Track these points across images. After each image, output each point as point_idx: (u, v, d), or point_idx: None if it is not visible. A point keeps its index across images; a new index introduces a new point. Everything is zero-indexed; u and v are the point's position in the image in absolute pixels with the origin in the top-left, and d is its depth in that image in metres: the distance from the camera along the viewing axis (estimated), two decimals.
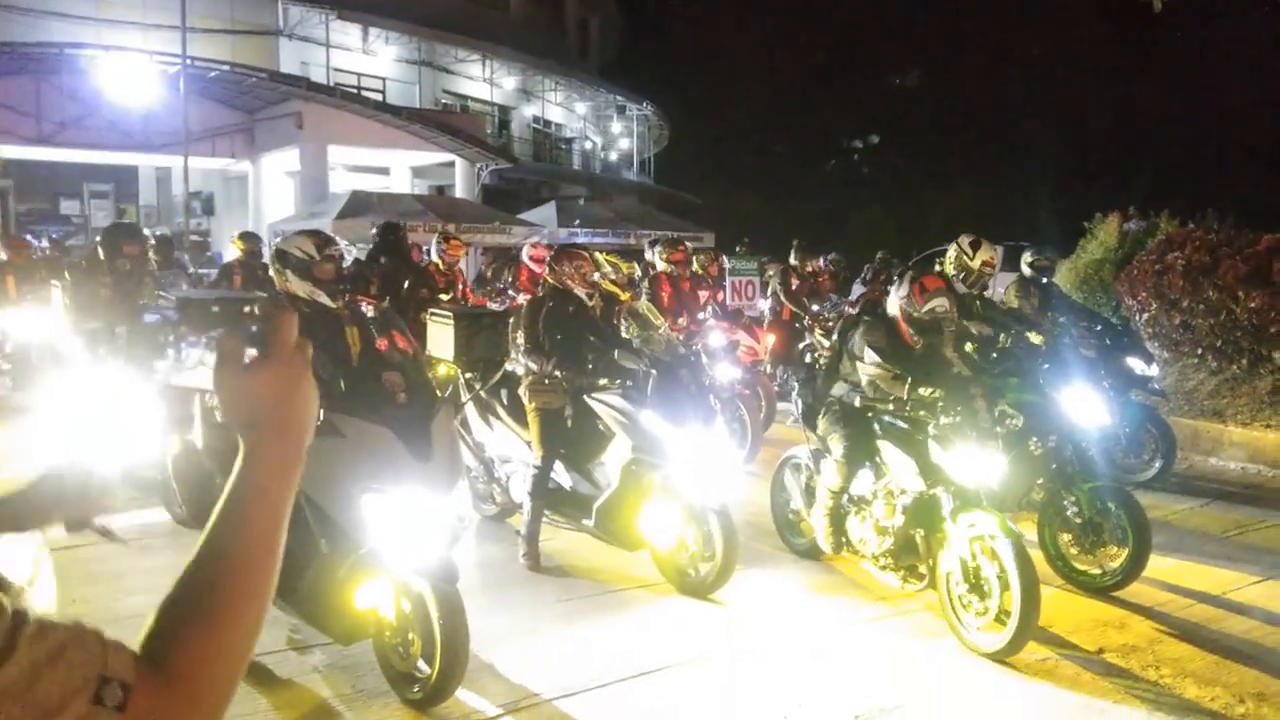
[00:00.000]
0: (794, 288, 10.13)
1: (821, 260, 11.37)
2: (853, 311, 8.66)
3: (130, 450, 6.83)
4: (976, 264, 6.55)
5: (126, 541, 5.73)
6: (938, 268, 6.70)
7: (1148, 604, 4.95)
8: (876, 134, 38.97)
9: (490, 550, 5.68)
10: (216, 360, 0.98)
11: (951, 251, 6.74)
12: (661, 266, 8.80)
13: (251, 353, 0.99)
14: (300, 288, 3.92)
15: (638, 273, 8.75)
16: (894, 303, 5.07)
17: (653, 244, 11.67)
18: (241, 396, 0.99)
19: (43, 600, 0.93)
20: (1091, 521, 5.07)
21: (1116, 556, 5.01)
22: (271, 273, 4.01)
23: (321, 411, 3.62)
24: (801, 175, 38.59)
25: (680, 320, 8.23)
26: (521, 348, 5.44)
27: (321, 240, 3.98)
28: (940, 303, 4.91)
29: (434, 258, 9.26)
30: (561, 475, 5.47)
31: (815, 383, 5.47)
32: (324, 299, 3.93)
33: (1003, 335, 6.47)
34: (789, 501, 5.69)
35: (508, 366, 5.80)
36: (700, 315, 8.59)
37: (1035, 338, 6.61)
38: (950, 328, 5.01)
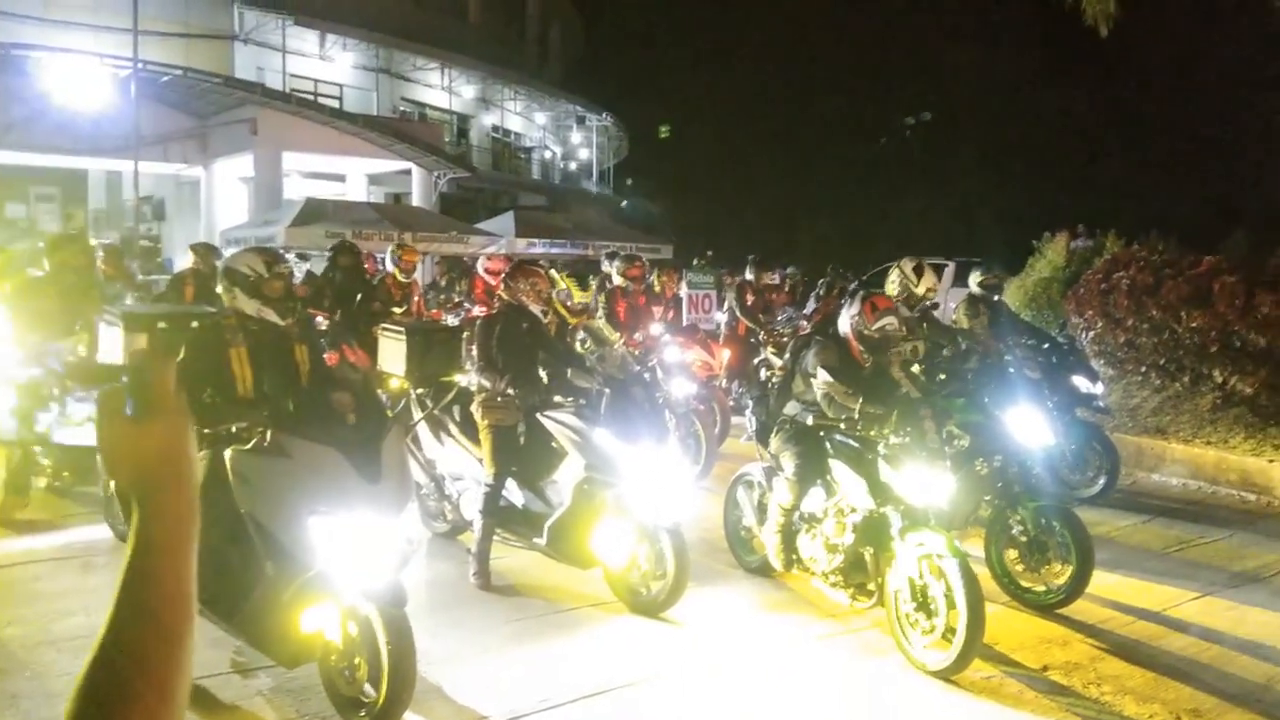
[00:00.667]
0: (749, 303, 10.19)
1: (777, 275, 11.46)
2: (807, 326, 8.75)
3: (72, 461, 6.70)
4: (921, 290, 6.70)
5: (67, 559, 5.61)
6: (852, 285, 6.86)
7: (1091, 621, 5.04)
8: (831, 150, 39.45)
9: (441, 569, 5.64)
10: (98, 416, 0.96)
11: (894, 275, 6.87)
12: (618, 281, 8.81)
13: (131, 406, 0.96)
14: (248, 305, 3.87)
15: (592, 301, 8.75)
16: (845, 321, 5.15)
17: (610, 256, 11.69)
18: (127, 451, 0.96)
19: None
20: (1036, 539, 5.16)
21: (1061, 574, 5.10)
22: (219, 290, 3.96)
23: (269, 432, 3.59)
24: (755, 188, 38.93)
25: (636, 336, 8.25)
26: (475, 364, 5.42)
27: (270, 258, 3.93)
28: (890, 321, 5.02)
29: (390, 268, 9.23)
30: (513, 493, 5.45)
31: (768, 401, 5.52)
32: (272, 317, 3.89)
33: (950, 354, 6.58)
34: (741, 519, 5.72)
35: (461, 382, 5.78)
36: (655, 331, 8.62)
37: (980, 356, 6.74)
38: (896, 348, 5.10)
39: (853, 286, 11.67)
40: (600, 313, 8.56)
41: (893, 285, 6.84)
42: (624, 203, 37.43)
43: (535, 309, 5.49)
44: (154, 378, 0.98)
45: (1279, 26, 9.97)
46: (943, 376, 6.13)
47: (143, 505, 0.96)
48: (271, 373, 3.85)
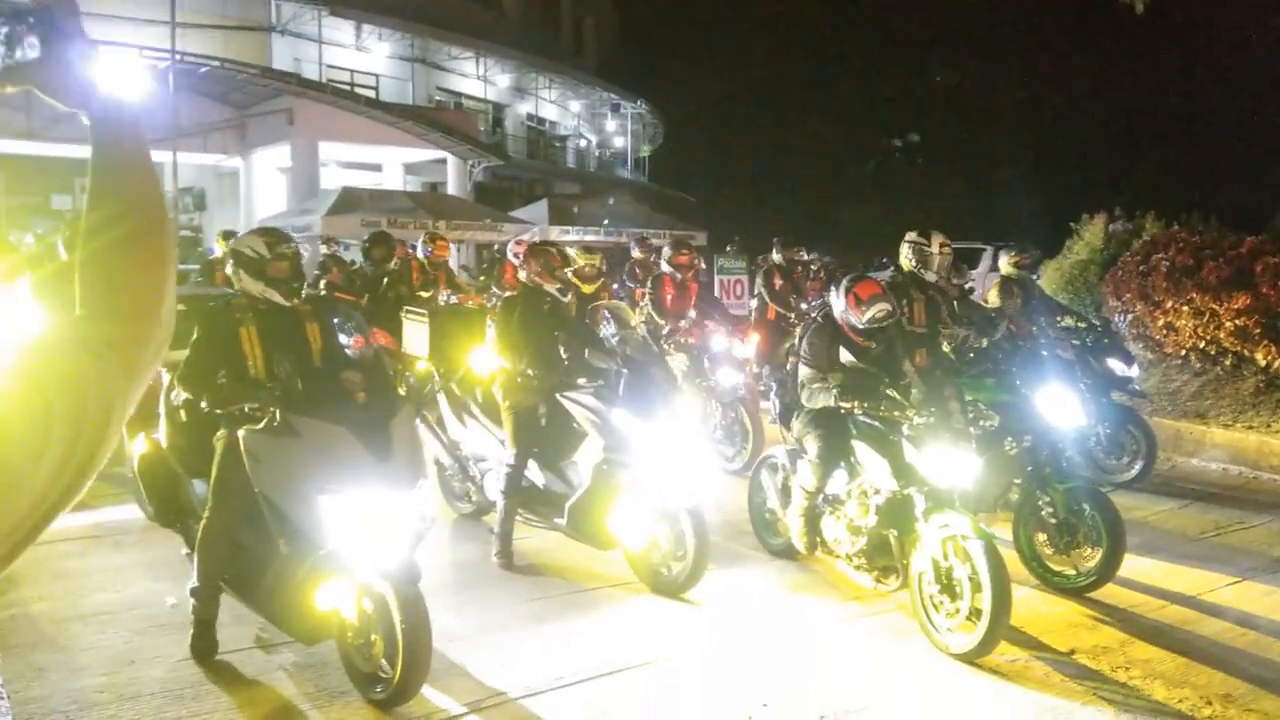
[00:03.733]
0: (777, 287, 10.08)
1: (805, 254, 11.30)
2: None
3: None
4: (935, 248, 6.65)
5: (99, 538, 5.70)
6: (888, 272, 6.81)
7: (1121, 605, 4.94)
8: (873, 137, 39.03)
9: (464, 549, 5.66)
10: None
11: (906, 249, 6.81)
12: (665, 268, 8.70)
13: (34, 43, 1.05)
14: (254, 287, 3.87)
15: (604, 265, 8.67)
16: (837, 311, 5.06)
17: (640, 242, 11.69)
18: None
19: None
20: (1066, 522, 5.06)
21: (1091, 557, 5.00)
22: (228, 272, 3.97)
23: (277, 412, 3.61)
24: (796, 174, 38.65)
25: (682, 322, 8.17)
26: (496, 346, 5.41)
27: (274, 239, 3.93)
28: (880, 308, 4.89)
29: (420, 255, 9.28)
30: (535, 474, 5.45)
31: (791, 383, 5.46)
32: (277, 298, 3.89)
33: (981, 336, 6.47)
34: (765, 501, 5.67)
35: (482, 365, 5.77)
36: (699, 316, 8.43)
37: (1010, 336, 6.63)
38: (897, 331, 5.03)
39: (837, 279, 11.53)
40: (647, 299, 8.46)
41: (907, 259, 6.78)
42: (658, 188, 37.30)
43: (553, 289, 5.46)
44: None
45: None
46: (972, 356, 6.04)
47: (93, 121, 1.10)
48: (281, 352, 3.86)
